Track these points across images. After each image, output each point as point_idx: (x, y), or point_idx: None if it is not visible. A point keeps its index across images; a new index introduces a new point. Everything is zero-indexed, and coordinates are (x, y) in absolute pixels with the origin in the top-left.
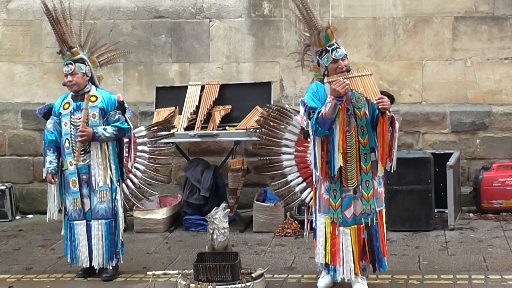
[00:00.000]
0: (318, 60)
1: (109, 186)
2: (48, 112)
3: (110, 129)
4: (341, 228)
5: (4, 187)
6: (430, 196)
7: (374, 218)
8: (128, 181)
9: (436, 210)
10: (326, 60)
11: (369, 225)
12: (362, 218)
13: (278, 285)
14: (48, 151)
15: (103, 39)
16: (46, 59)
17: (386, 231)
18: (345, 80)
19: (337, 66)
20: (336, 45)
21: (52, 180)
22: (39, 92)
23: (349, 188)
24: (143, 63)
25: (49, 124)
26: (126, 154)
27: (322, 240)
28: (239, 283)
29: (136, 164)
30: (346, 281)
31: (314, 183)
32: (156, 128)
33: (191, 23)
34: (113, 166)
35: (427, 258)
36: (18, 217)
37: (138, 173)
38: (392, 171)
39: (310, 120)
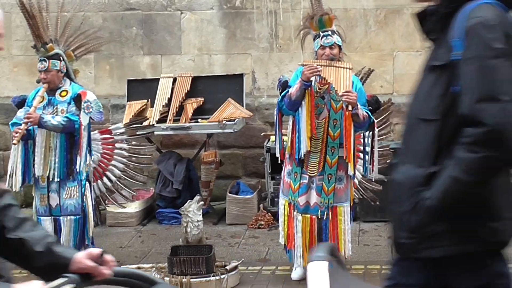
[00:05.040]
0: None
1: (78, 182)
2: (21, 102)
3: (58, 117)
4: (294, 212)
5: None
6: None
7: (325, 213)
8: (105, 179)
9: None
10: (316, 45)
11: (320, 218)
12: (319, 211)
13: (252, 277)
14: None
15: (75, 32)
16: (15, 52)
17: (348, 226)
18: (318, 66)
19: (324, 53)
20: (328, 33)
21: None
22: (9, 85)
23: (308, 174)
24: (114, 55)
25: (20, 113)
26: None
27: (281, 221)
28: (213, 276)
29: (114, 162)
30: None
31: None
32: (135, 126)
33: (162, 15)
34: (57, 160)
35: None
36: None
37: (116, 171)
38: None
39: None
